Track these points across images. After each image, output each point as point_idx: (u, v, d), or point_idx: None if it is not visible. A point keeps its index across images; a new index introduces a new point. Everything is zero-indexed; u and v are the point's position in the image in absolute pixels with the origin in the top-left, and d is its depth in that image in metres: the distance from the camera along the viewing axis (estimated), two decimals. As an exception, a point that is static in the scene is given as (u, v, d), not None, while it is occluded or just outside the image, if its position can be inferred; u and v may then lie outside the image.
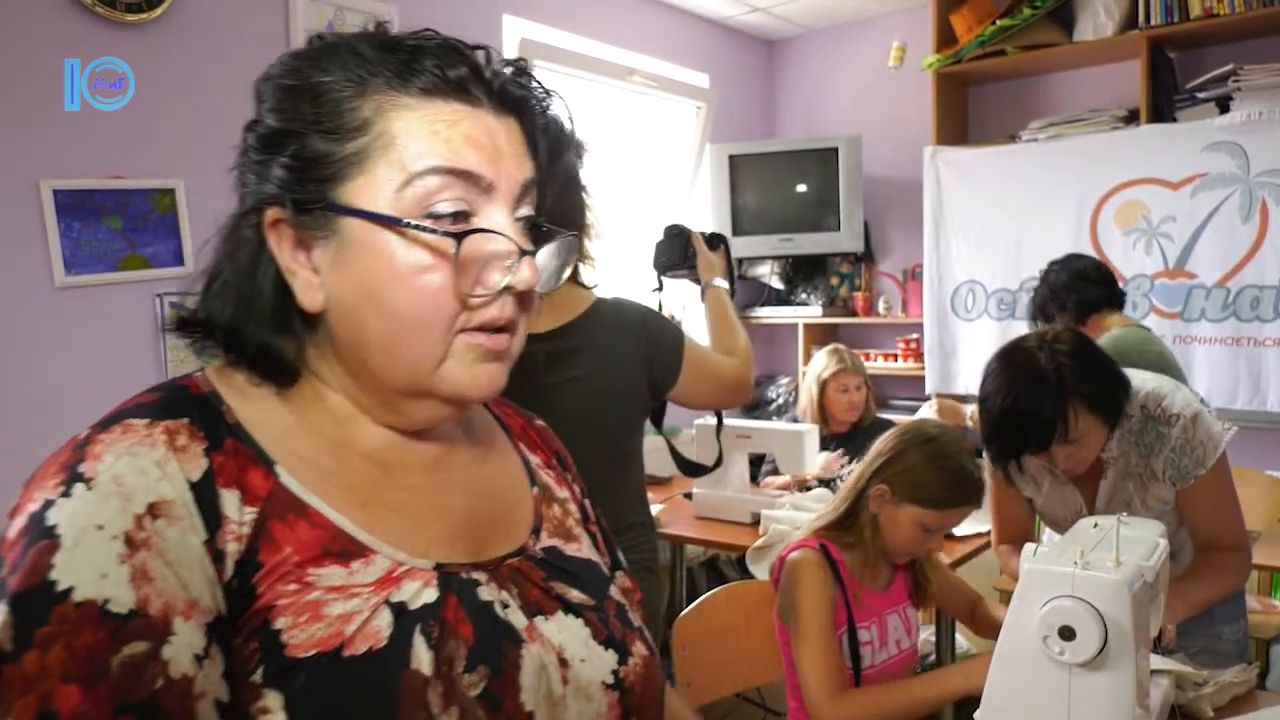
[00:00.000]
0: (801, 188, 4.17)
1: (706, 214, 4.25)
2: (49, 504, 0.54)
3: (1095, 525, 1.28)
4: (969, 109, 4.05)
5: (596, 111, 3.82)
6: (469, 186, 0.63)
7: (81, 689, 0.50)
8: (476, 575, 0.66)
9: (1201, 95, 3.28)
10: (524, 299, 0.66)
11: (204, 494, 0.58)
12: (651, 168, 4.15)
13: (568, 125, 0.73)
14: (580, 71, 3.63)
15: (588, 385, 1.60)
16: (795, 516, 2.41)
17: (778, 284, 4.46)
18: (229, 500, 0.59)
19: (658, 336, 1.72)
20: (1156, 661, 1.37)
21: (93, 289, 2.36)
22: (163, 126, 2.47)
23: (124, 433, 0.58)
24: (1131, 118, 3.46)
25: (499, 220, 0.64)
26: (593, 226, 1.77)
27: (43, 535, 0.53)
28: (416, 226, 0.61)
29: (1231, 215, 3.19)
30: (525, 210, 0.67)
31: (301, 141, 0.62)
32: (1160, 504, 1.66)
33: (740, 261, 4.44)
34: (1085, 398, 1.52)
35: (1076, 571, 1.09)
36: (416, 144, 0.61)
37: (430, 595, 0.62)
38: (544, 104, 0.70)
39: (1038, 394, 1.53)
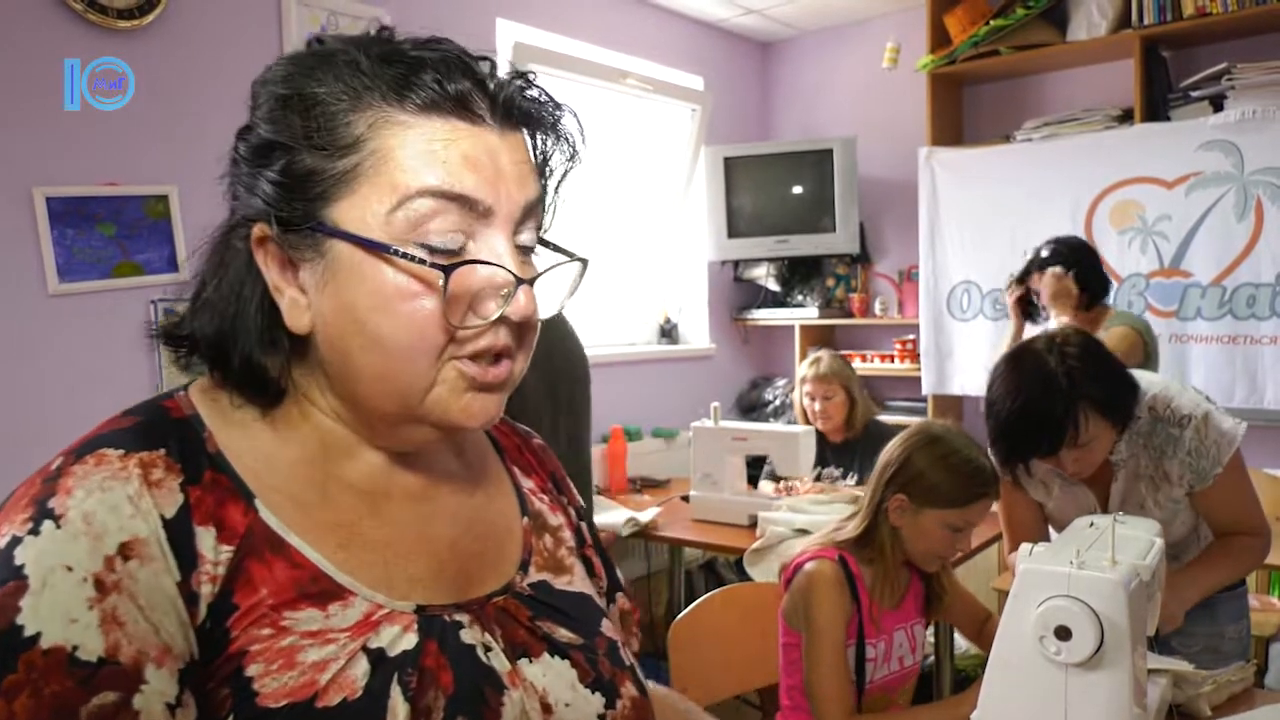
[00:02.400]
0: (797, 189, 4.17)
1: (702, 216, 4.25)
2: (16, 541, 0.52)
3: (1091, 525, 1.28)
4: (964, 109, 4.06)
5: (591, 115, 3.82)
6: (465, 211, 0.59)
7: None
8: (460, 617, 0.63)
9: (1195, 94, 3.28)
10: (522, 328, 0.63)
11: (178, 531, 0.55)
12: (647, 171, 4.15)
13: (579, 140, 0.68)
14: (574, 75, 3.63)
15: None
16: (792, 519, 2.41)
17: (774, 286, 4.46)
18: (204, 538, 0.56)
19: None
20: (1154, 660, 1.37)
21: (86, 296, 2.36)
22: (156, 133, 2.46)
23: (97, 464, 0.55)
24: (1126, 117, 3.46)
25: (498, 246, 0.60)
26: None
27: (10, 576, 0.51)
28: (405, 255, 0.57)
29: (1226, 214, 3.20)
30: (528, 232, 0.63)
31: (291, 156, 0.59)
32: (1173, 503, 1.66)
33: (737, 264, 4.44)
34: (1096, 401, 1.51)
35: (1072, 571, 1.09)
36: (411, 164, 0.58)
37: (410, 641, 0.60)
38: (555, 117, 0.66)
39: (1048, 397, 1.51)
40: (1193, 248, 3.28)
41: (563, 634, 0.69)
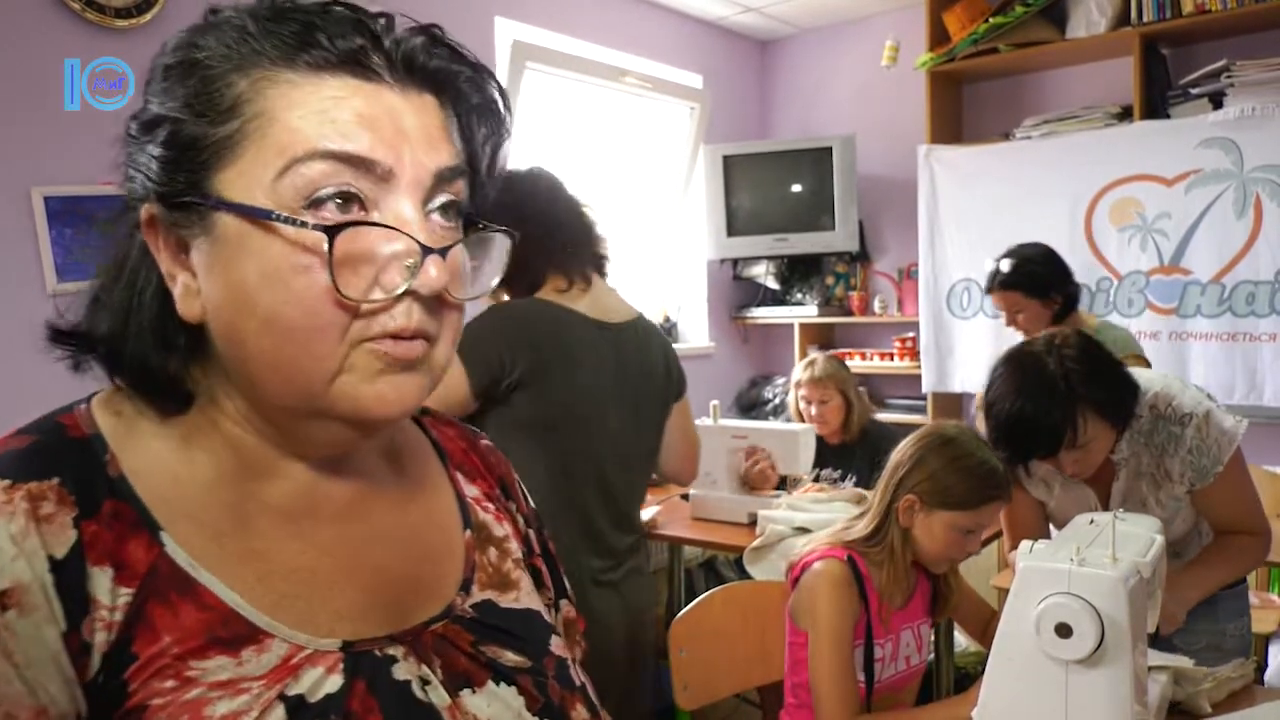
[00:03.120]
0: (796, 188, 4.17)
1: (701, 215, 4.25)
2: None
3: (1091, 522, 1.28)
4: (963, 107, 4.06)
5: (590, 114, 3.82)
6: (361, 174, 0.53)
7: None
8: (393, 650, 0.58)
9: (1195, 91, 3.28)
10: (435, 305, 0.55)
11: (69, 574, 0.50)
12: (645, 169, 4.15)
13: (504, 109, 0.62)
14: (573, 73, 3.62)
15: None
16: (792, 517, 2.40)
17: (773, 284, 4.46)
18: (99, 580, 0.50)
19: (678, 371, 1.89)
20: (1155, 657, 1.37)
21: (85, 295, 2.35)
22: (154, 132, 2.46)
23: None
24: (1125, 114, 3.46)
25: (404, 212, 0.54)
26: (606, 246, 1.85)
27: None
28: (287, 220, 0.51)
29: (1226, 211, 3.20)
30: (445, 203, 0.57)
31: (176, 127, 0.53)
32: (1174, 501, 1.65)
33: (736, 262, 4.44)
34: (1094, 403, 1.51)
35: (1073, 568, 1.09)
36: (298, 124, 0.52)
37: (334, 684, 0.54)
38: (475, 81, 0.59)
39: (1046, 400, 1.51)
40: (1192, 245, 3.28)
41: (509, 657, 0.64)
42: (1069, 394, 1.50)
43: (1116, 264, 3.44)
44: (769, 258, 4.34)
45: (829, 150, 4.04)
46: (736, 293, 4.56)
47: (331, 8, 0.55)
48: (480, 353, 1.60)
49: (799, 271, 4.47)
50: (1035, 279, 2.51)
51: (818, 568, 1.57)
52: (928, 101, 3.83)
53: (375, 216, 0.54)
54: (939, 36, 3.78)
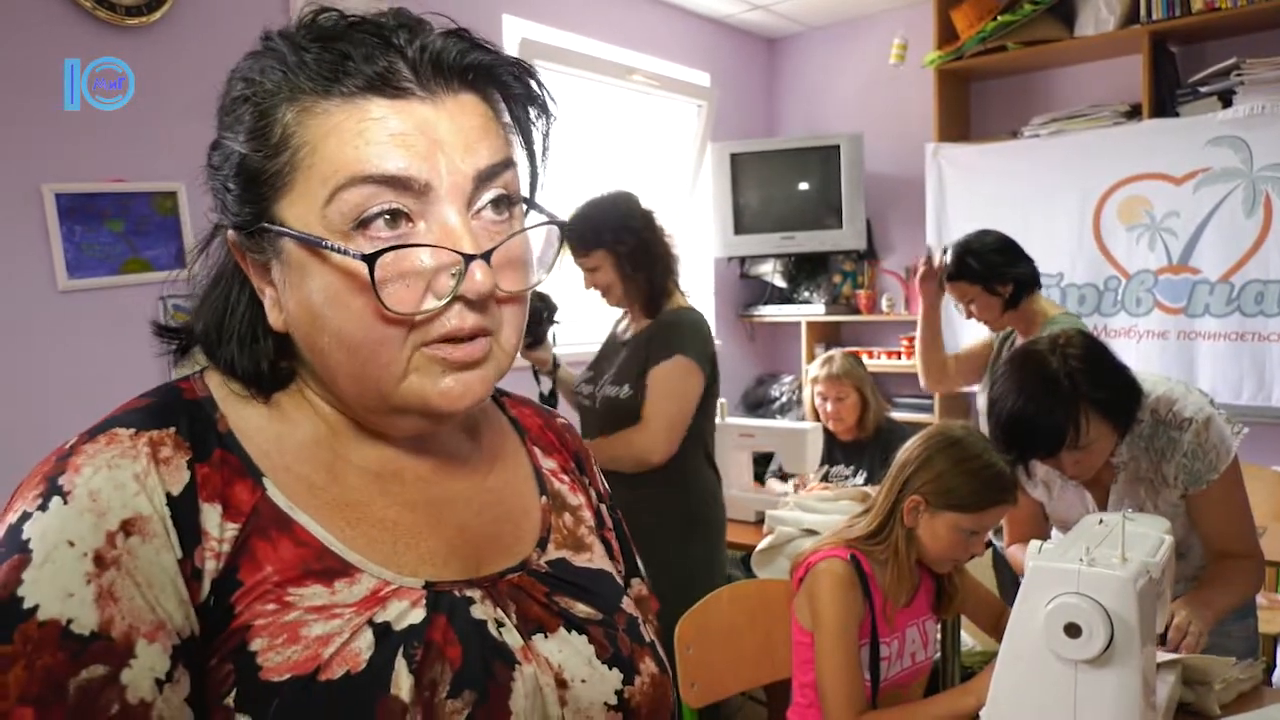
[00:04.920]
0: (803, 186, 4.17)
1: (708, 213, 4.25)
2: (26, 516, 0.53)
3: (1101, 522, 1.28)
4: (971, 105, 4.05)
5: (598, 111, 3.82)
6: (402, 191, 0.56)
7: (35, 712, 0.48)
8: (470, 593, 0.62)
9: (1204, 90, 3.27)
10: (489, 303, 0.59)
11: (183, 509, 0.56)
12: (653, 167, 4.15)
13: (547, 95, 0.64)
14: (581, 71, 3.63)
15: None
16: (800, 518, 2.40)
17: (780, 282, 4.45)
18: (210, 515, 0.56)
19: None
20: (1167, 654, 1.37)
21: (95, 292, 2.37)
22: (163, 129, 2.47)
23: (108, 443, 0.56)
24: (1134, 113, 3.45)
25: (448, 220, 0.57)
26: (670, 252, 2.22)
27: (17, 549, 0.52)
28: (332, 247, 0.56)
29: (1235, 210, 3.18)
30: (493, 197, 0.60)
31: (240, 160, 0.58)
32: (1171, 508, 1.65)
33: (743, 260, 4.44)
34: (1097, 404, 1.50)
35: (1082, 568, 1.09)
36: (336, 153, 0.56)
37: (417, 616, 0.59)
38: (513, 70, 0.62)
39: (1049, 400, 1.50)
40: (1201, 244, 3.27)
41: (581, 609, 0.67)
42: (1071, 394, 1.50)
43: (1125, 263, 3.43)
44: (776, 256, 4.34)
45: (836, 148, 4.04)
46: (743, 291, 4.56)
47: (356, 27, 0.58)
48: (706, 354, 2.11)
49: (806, 270, 4.47)
50: (976, 268, 2.40)
51: (821, 567, 1.57)
52: (935, 99, 3.82)
53: (421, 227, 0.57)
54: (947, 34, 3.77)
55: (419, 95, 0.57)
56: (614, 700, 0.65)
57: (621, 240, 2.12)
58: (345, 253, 0.56)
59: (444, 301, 0.57)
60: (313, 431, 0.64)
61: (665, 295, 2.15)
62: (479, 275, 0.57)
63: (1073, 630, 1.07)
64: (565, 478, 0.79)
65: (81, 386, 2.32)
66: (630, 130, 3.99)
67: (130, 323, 2.45)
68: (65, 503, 0.53)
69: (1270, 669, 2.67)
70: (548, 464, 0.78)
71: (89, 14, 2.33)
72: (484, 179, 0.59)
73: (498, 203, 0.60)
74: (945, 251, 2.51)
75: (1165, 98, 3.37)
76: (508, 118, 0.63)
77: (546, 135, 0.65)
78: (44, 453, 0.60)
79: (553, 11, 3.55)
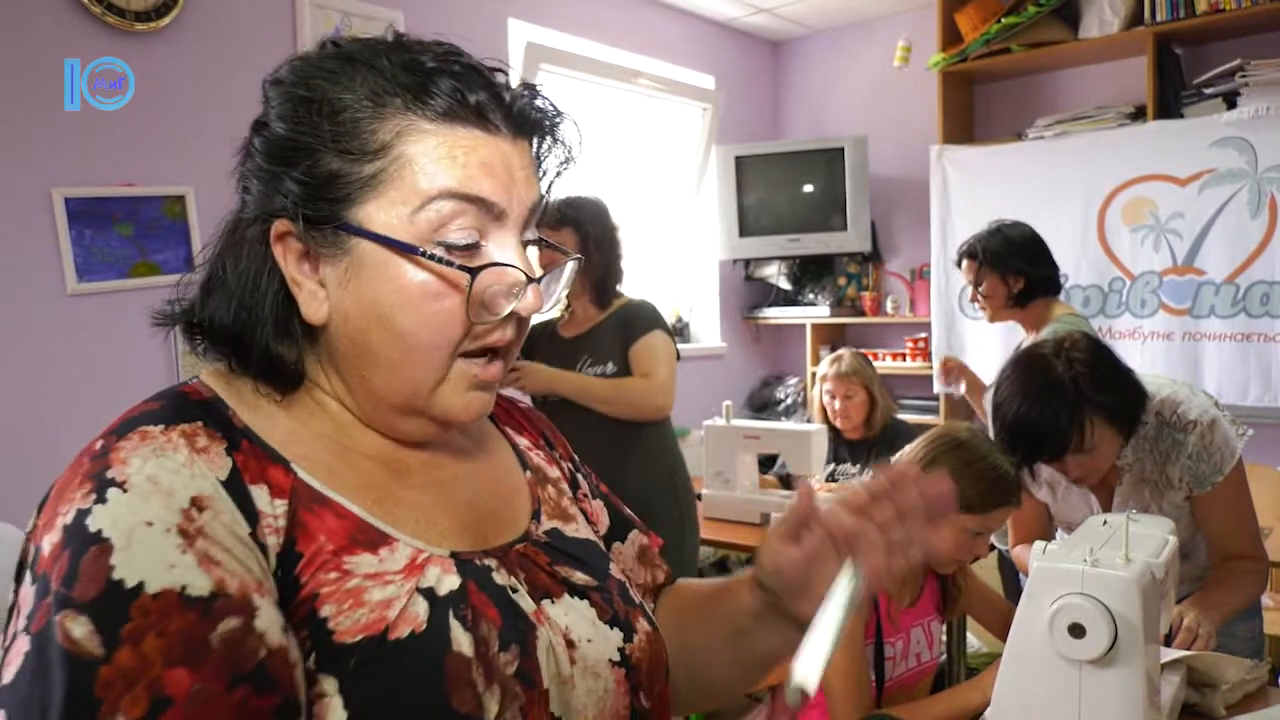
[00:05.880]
0: (808, 188, 4.18)
1: (713, 215, 4.26)
2: (84, 513, 0.53)
3: (1105, 523, 1.28)
4: (975, 107, 4.05)
5: (603, 114, 3.83)
6: (481, 213, 0.63)
7: (189, 670, 0.50)
8: (488, 561, 0.67)
9: (1208, 91, 3.27)
10: (522, 322, 0.68)
11: (235, 491, 0.58)
12: (658, 170, 4.16)
13: (577, 145, 0.72)
14: (586, 75, 3.64)
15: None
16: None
17: (785, 284, 4.46)
18: (259, 495, 0.59)
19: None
20: (1172, 653, 1.37)
21: (104, 296, 2.38)
22: (172, 134, 2.49)
23: (142, 440, 0.57)
24: (1138, 114, 3.45)
25: (508, 245, 0.65)
26: (623, 258, 2.44)
27: (90, 542, 0.52)
28: (432, 257, 0.62)
29: (1240, 211, 3.18)
30: (531, 231, 0.68)
31: (316, 158, 0.62)
32: (1176, 509, 1.65)
33: (748, 262, 4.44)
34: (1102, 408, 1.50)
35: (1086, 569, 1.09)
36: (433, 169, 0.62)
37: (453, 581, 0.63)
38: (556, 124, 0.70)
39: (1053, 404, 1.50)
40: (1206, 245, 3.26)
41: (579, 577, 0.73)
42: (1076, 398, 1.50)
43: (1129, 264, 3.43)
44: (781, 258, 4.34)
45: (841, 151, 4.04)
46: (748, 293, 4.57)
47: (458, 60, 0.64)
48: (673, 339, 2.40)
49: (811, 272, 4.47)
50: (997, 250, 2.46)
51: None
52: (940, 101, 3.83)
53: (485, 245, 0.65)
54: (951, 37, 3.77)
55: (503, 133, 0.65)
56: (617, 657, 0.70)
57: (593, 224, 2.34)
58: (449, 264, 0.62)
59: (503, 315, 0.65)
60: (321, 427, 0.67)
61: (613, 293, 2.41)
62: (530, 296, 0.65)
63: (1077, 631, 1.08)
64: (540, 452, 0.85)
65: (90, 388, 2.34)
66: (635, 133, 4.00)
67: (139, 326, 2.46)
68: (125, 491, 0.54)
69: (1276, 670, 2.67)
70: (521, 442, 0.84)
71: (98, 19, 2.35)
72: (533, 212, 0.68)
73: (530, 235, 0.68)
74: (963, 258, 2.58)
75: (1170, 99, 3.37)
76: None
77: (555, 179, 0.72)
78: (53, 453, 0.60)
79: (558, 15, 3.56)
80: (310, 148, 0.62)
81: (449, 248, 0.62)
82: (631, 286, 2.52)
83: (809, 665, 0.60)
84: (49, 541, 0.54)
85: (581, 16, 3.66)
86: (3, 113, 2.25)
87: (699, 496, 2.92)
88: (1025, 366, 1.58)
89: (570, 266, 0.73)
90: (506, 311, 0.65)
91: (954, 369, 2.79)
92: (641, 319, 2.36)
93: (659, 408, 2.34)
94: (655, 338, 2.33)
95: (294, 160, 0.62)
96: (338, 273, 0.63)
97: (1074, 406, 1.50)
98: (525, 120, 0.67)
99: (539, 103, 0.68)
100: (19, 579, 0.56)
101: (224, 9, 2.61)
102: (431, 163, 0.62)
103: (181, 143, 2.49)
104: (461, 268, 0.62)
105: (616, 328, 2.36)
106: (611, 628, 0.71)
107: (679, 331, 4.35)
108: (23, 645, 0.51)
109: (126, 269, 2.41)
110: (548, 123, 0.69)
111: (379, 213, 0.62)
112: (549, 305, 0.70)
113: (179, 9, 2.47)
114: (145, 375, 2.44)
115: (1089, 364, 1.53)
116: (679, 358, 2.43)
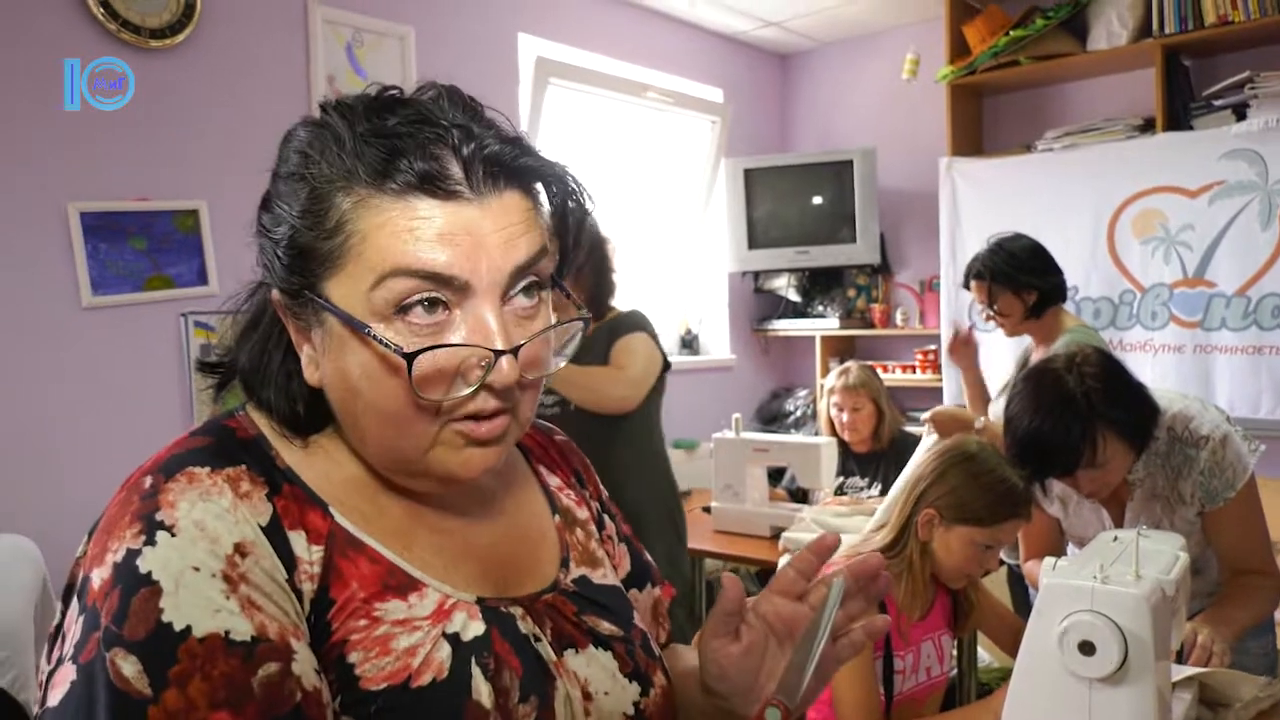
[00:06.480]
0: (817, 200, 4.18)
1: (722, 228, 4.27)
2: (135, 553, 0.55)
3: (1115, 539, 1.28)
4: (984, 120, 4.05)
5: (612, 128, 3.85)
6: (442, 286, 0.60)
7: (231, 713, 0.52)
8: (514, 609, 0.68)
9: (1218, 103, 3.27)
10: (508, 392, 0.63)
11: (275, 537, 0.60)
12: (667, 183, 4.17)
13: (583, 193, 0.69)
14: (595, 89, 3.66)
15: None
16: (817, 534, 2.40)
17: (794, 296, 4.46)
18: (297, 541, 0.61)
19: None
20: (1183, 670, 1.36)
21: (119, 309, 2.40)
22: (185, 148, 2.51)
23: (189, 482, 0.59)
24: (1147, 126, 3.45)
25: (482, 315, 0.61)
26: (615, 270, 2.41)
27: (140, 583, 0.54)
28: (375, 337, 0.60)
29: (1251, 223, 3.17)
30: (526, 288, 0.64)
31: (292, 232, 0.62)
32: (1187, 524, 1.64)
33: (757, 275, 4.45)
34: (1114, 424, 1.50)
35: (1096, 585, 1.09)
36: (386, 245, 0.59)
37: (478, 628, 0.64)
38: (556, 171, 0.67)
39: (1065, 419, 1.50)
40: (1216, 257, 3.25)
41: (605, 626, 0.73)
42: (1088, 413, 1.49)
43: (1140, 276, 3.42)
44: (790, 270, 4.35)
45: (850, 163, 4.05)
46: (758, 305, 4.57)
47: (414, 121, 0.61)
48: (660, 346, 2.42)
49: (820, 284, 4.47)
50: (1006, 268, 2.45)
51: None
52: (948, 114, 3.83)
53: (457, 316, 0.61)
54: (959, 49, 3.78)
55: (466, 197, 0.61)
56: (631, 711, 0.70)
57: (587, 233, 2.37)
58: (387, 345, 0.60)
59: (472, 390, 0.61)
60: (354, 471, 0.68)
61: (606, 306, 2.40)
62: (505, 368, 0.61)
63: (1087, 648, 1.07)
64: (570, 493, 0.84)
65: (105, 401, 2.35)
66: (645, 146, 4.02)
67: (153, 339, 2.49)
68: (173, 535, 0.56)
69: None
70: (553, 481, 0.83)
71: (114, 36, 2.38)
72: (520, 272, 0.63)
73: (529, 289, 0.64)
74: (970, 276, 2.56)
75: (1179, 111, 3.36)
76: (546, 205, 0.68)
77: (580, 224, 0.70)
78: (70, 466, 0.62)
79: (568, 30, 3.58)
80: (288, 221, 0.62)
81: (406, 312, 0.60)
82: (642, 299, 2.54)
83: (788, 689, 0.64)
84: (99, 576, 0.55)
85: (591, 31, 3.68)
86: (20, 127, 2.28)
87: (707, 509, 2.92)
88: (1037, 381, 1.58)
89: (576, 328, 0.69)
90: (474, 386, 0.61)
91: (968, 342, 2.76)
92: (627, 324, 2.38)
93: (619, 398, 2.29)
94: (636, 339, 2.34)
95: (277, 232, 0.63)
96: (319, 341, 0.64)
97: (1086, 421, 1.49)
98: (502, 171, 0.62)
99: (520, 152, 0.63)
100: (66, 601, 0.58)
101: (237, 26, 2.63)
102: (386, 238, 0.59)
103: (195, 157, 2.51)
104: (399, 353, 0.59)
105: (605, 338, 2.36)
106: (631, 681, 0.71)
107: (688, 344, 4.36)
108: (69, 673, 0.53)
109: (140, 282, 2.43)
110: (544, 171, 0.66)
111: (340, 287, 0.61)
112: (561, 363, 0.68)
113: (193, 26, 2.50)
114: (159, 387, 2.46)
115: (1101, 379, 1.53)
116: (668, 367, 2.43)
